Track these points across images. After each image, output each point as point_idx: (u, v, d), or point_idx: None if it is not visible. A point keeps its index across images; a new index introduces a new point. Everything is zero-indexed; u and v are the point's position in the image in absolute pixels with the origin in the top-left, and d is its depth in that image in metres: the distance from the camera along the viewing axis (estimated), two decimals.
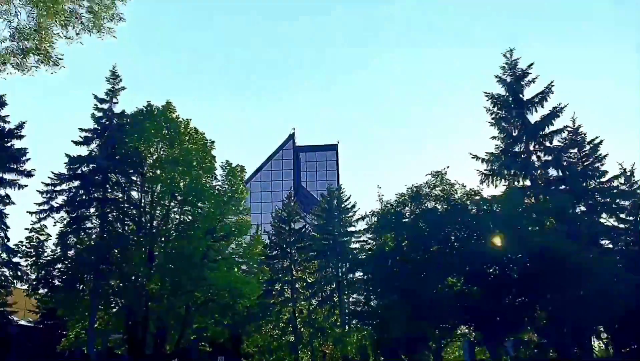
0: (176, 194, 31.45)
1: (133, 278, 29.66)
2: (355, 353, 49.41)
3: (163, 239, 31.37)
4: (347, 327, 54.00)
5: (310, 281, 53.46)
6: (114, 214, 29.81)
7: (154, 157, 30.94)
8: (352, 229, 56.26)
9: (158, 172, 30.42)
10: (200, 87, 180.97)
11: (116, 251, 29.40)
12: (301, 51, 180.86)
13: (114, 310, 31.28)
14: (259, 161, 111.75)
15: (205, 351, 38.97)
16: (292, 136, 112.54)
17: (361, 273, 52.91)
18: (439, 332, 35.88)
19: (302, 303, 53.08)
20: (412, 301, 32.77)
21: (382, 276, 37.23)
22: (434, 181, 37.37)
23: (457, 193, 36.80)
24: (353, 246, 55.88)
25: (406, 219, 36.79)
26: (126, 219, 29.02)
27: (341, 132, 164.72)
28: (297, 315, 51.56)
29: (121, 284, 29.95)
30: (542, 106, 39.56)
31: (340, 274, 54.81)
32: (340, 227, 55.72)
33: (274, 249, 55.09)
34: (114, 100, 34.17)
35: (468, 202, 36.41)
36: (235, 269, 31.83)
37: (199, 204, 31.34)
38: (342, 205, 56.62)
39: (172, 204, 31.73)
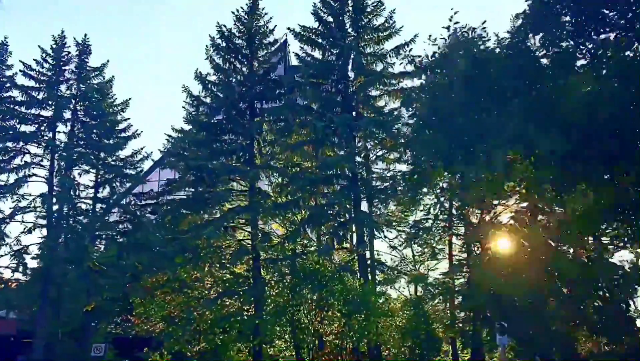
0: None
1: None
2: (400, 339, 19.52)
3: None
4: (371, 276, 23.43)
5: (291, 172, 23.49)
6: None
7: None
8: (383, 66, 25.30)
9: None
10: None
11: None
12: None
13: None
14: None
15: None
16: (284, 44, 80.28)
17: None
18: None
19: (270, 218, 23.25)
20: None
21: None
22: None
23: None
24: (381, 102, 25.23)
25: None
26: None
27: None
28: (258, 244, 21.64)
29: None
30: None
31: (356, 152, 24.12)
32: (360, 57, 24.79)
33: (212, 107, 24.78)
34: None
35: None
36: None
37: None
38: (365, 14, 25.42)
39: None
